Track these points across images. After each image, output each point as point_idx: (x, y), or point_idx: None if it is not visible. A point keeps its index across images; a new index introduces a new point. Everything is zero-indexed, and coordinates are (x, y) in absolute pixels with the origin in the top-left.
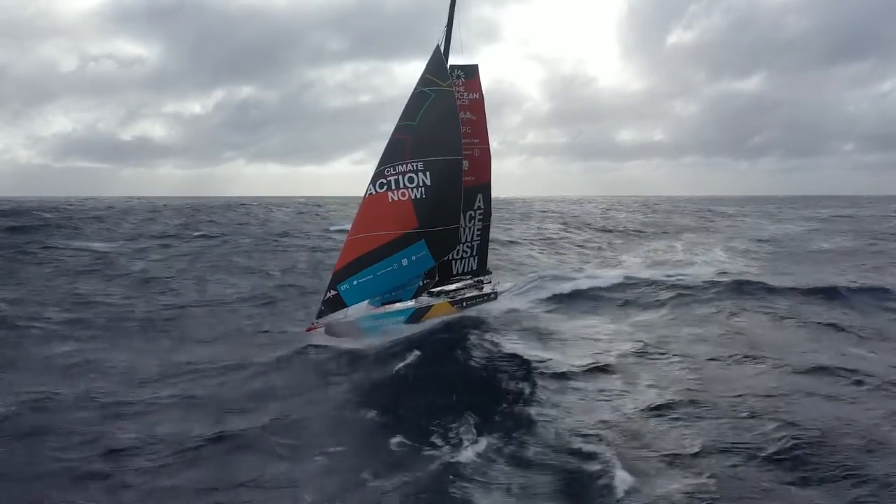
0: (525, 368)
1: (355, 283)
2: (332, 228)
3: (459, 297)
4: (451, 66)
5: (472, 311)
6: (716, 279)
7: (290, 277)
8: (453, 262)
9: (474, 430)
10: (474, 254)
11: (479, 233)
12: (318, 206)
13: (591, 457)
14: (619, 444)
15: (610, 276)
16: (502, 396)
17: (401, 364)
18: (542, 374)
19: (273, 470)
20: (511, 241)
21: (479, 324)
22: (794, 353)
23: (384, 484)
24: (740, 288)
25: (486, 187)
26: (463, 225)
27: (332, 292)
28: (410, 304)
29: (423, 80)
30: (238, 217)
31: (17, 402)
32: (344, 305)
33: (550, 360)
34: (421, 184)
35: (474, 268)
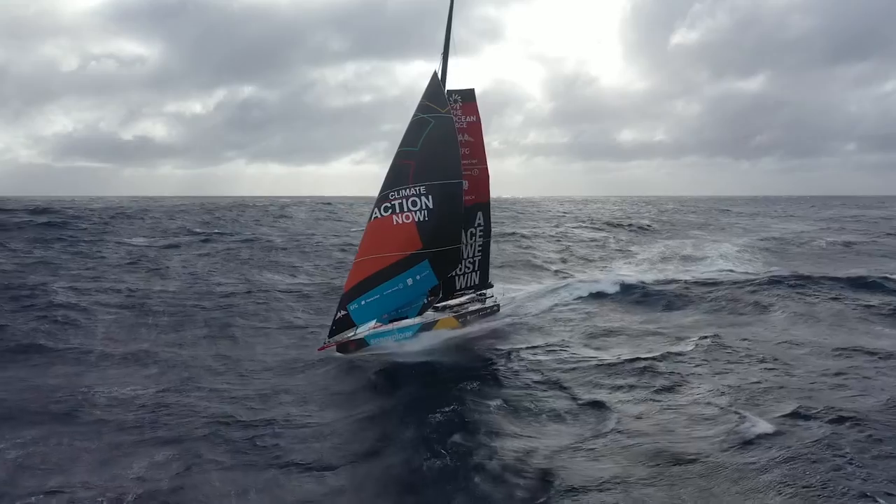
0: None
1: (363, 302)
2: (354, 230)
3: (463, 311)
4: (448, 90)
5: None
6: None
7: (336, 273)
8: (456, 277)
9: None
10: (476, 269)
11: (480, 249)
12: (328, 204)
13: None
14: None
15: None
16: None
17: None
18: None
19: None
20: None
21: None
22: None
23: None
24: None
25: (485, 206)
26: (464, 242)
27: (342, 312)
28: (416, 320)
29: (422, 107)
30: (257, 215)
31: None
32: (353, 325)
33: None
34: (424, 207)
35: (476, 282)
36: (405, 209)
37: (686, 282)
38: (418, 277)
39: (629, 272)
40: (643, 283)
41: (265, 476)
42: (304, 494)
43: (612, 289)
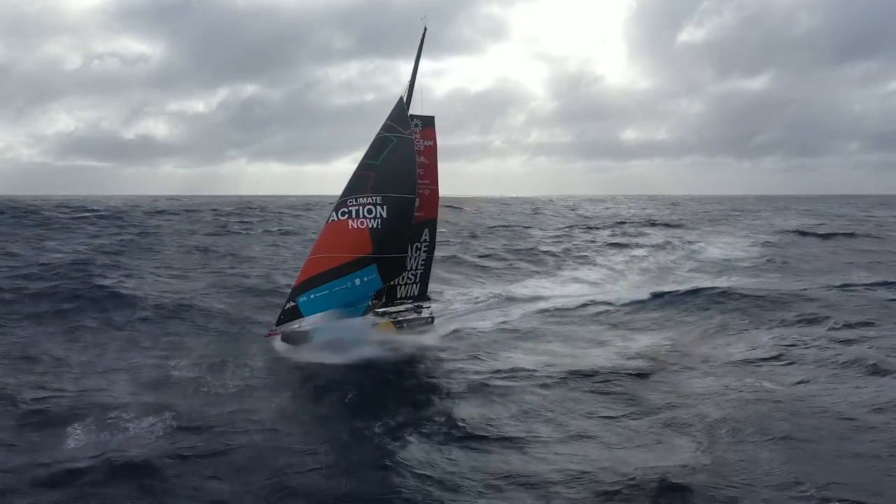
0: None
1: (313, 296)
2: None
3: (401, 319)
4: (410, 115)
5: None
6: None
7: None
8: (398, 286)
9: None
10: (417, 281)
11: (423, 263)
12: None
13: None
14: None
15: None
16: None
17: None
18: None
19: None
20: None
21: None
22: None
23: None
24: None
25: (432, 223)
26: (409, 255)
27: (292, 303)
28: (358, 320)
29: (386, 127)
30: (286, 213)
31: None
32: (301, 316)
33: None
34: (378, 216)
35: (416, 294)
36: (361, 216)
37: None
38: (366, 279)
39: None
40: None
41: None
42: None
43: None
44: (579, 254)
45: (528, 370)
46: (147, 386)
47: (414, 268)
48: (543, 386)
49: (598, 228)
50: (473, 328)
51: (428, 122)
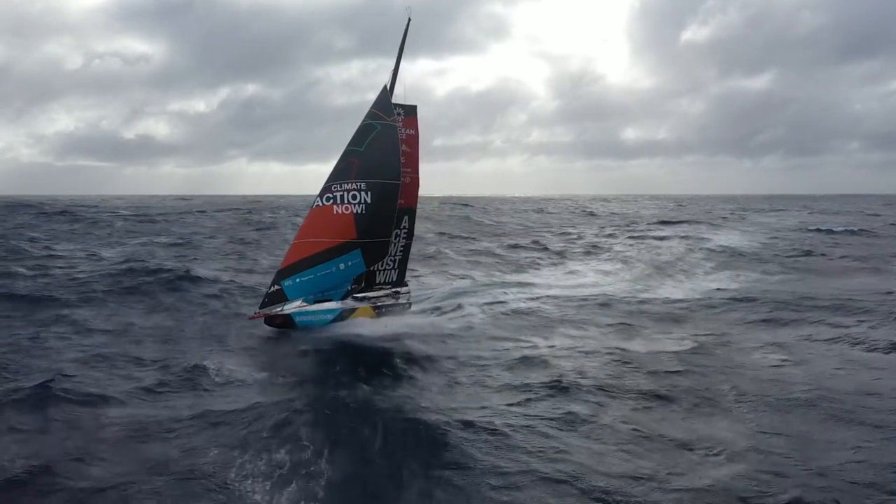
0: None
1: (297, 280)
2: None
3: (380, 304)
4: (393, 104)
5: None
6: None
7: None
8: (378, 272)
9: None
10: (396, 267)
11: (402, 249)
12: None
13: None
14: None
15: None
16: None
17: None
18: None
19: None
20: None
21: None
22: None
23: None
24: None
25: (412, 211)
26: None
27: (276, 287)
28: (338, 304)
29: (371, 114)
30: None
31: None
32: (285, 299)
33: None
34: (363, 201)
35: (394, 279)
36: (345, 201)
37: None
38: (350, 264)
39: None
40: None
41: None
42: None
43: None
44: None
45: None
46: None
47: (393, 254)
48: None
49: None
50: None
51: (410, 111)
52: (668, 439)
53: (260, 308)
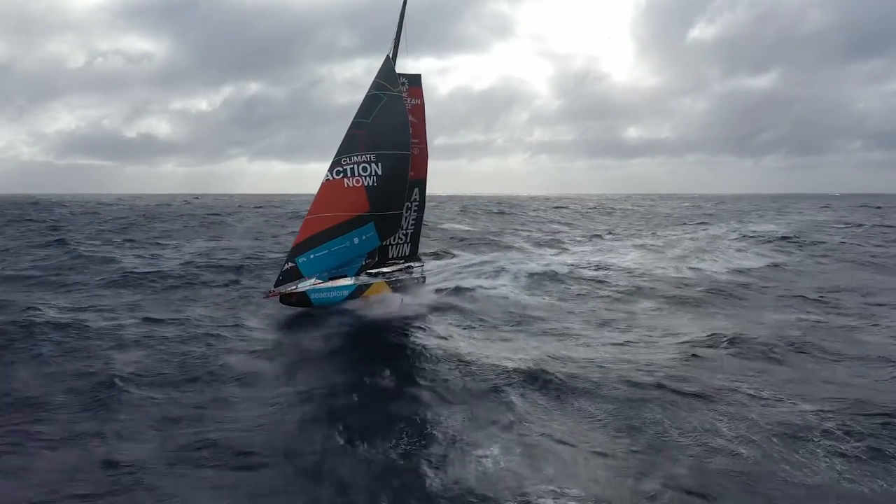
0: None
1: (312, 256)
2: (441, 226)
3: (393, 279)
4: (398, 74)
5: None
6: None
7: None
8: (390, 246)
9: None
10: (408, 241)
11: (413, 223)
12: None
13: None
14: None
15: None
16: None
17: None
18: None
19: None
20: None
21: None
22: None
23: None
24: None
25: (422, 183)
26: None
27: (290, 264)
28: (353, 281)
29: (376, 85)
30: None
31: None
32: (301, 276)
33: None
34: (373, 173)
35: (407, 254)
36: (356, 174)
37: None
38: (364, 238)
39: None
40: None
41: None
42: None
43: None
44: None
45: None
46: None
47: (405, 227)
48: None
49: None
50: None
51: (415, 81)
52: None
53: (275, 286)
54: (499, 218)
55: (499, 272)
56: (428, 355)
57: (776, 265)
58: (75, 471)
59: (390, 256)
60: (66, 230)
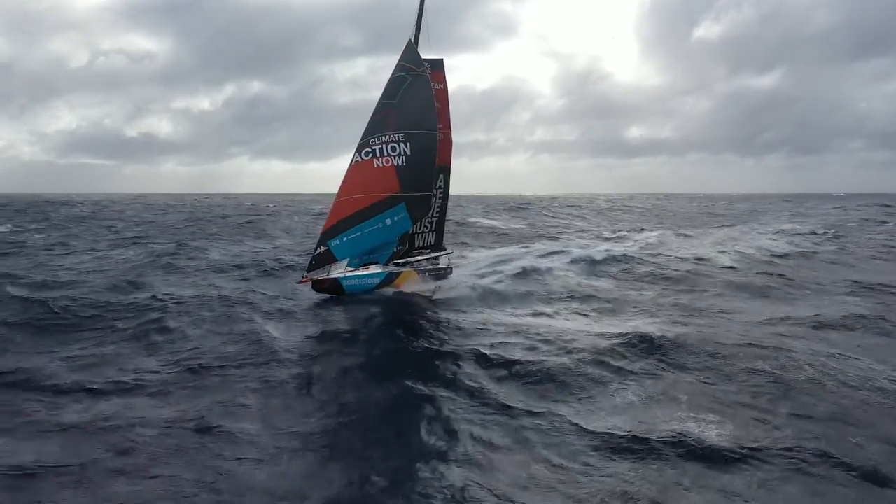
0: None
1: (345, 239)
2: (471, 219)
3: (422, 269)
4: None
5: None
6: None
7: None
8: (415, 235)
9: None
10: (433, 229)
11: (438, 211)
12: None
13: None
14: None
15: None
16: None
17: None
18: None
19: None
20: None
21: None
22: None
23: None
24: None
25: (446, 169)
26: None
27: (323, 248)
28: (384, 269)
29: (400, 67)
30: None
31: None
32: (334, 260)
33: None
34: (402, 153)
35: (432, 242)
36: (385, 153)
37: None
38: (396, 219)
39: None
40: None
41: None
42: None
43: None
44: None
45: None
46: None
47: (429, 215)
48: None
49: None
50: None
51: (437, 65)
52: None
53: (307, 271)
54: (526, 215)
55: (566, 257)
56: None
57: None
58: None
59: (416, 246)
60: (128, 230)
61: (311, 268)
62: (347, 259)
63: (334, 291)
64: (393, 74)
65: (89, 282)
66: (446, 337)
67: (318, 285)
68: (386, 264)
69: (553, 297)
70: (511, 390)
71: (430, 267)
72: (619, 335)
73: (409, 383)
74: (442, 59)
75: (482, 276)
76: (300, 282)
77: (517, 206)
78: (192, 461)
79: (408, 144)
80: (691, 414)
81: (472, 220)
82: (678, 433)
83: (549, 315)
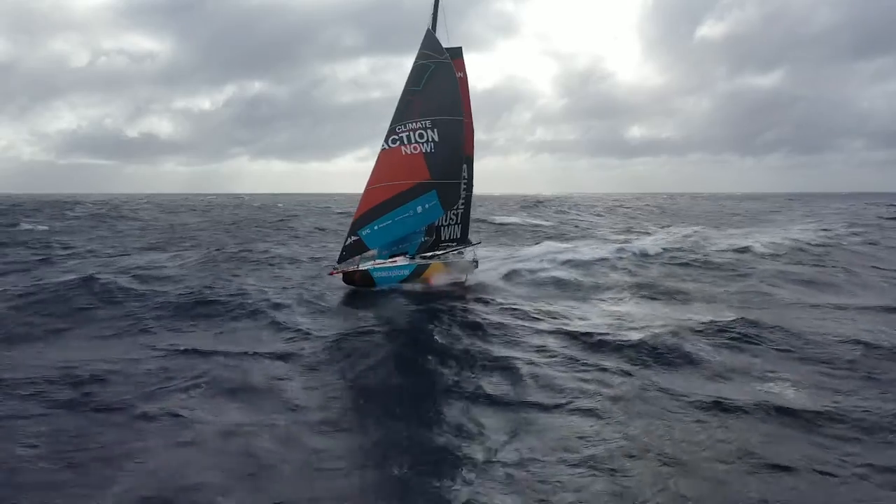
0: None
1: (376, 227)
2: (497, 220)
3: (449, 262)
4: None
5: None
6: None
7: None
8: (441, 227)
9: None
10: (458, 222)
11: (462, 202)
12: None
13: None
14: None
15: None
16: None
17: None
18: None
19: None
20: None
21: None
22: None
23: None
24: None
25: (469, 160)
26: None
27: (354, 238)
28: (412, 261)
29: (422, 55)
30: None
31: None
32: (366, 249)
33: None
34: (430, 139)
35: (458, 235)
36: (413, 141)
37: None
38: (427, 206)
39: None
40: None
41: None
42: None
43: None
44: None
45: None
46: None
47: (455, 207)
48: None
49: None
50: None
51: (456, 54)
52: None
53: (339, 262)
54: (545, 214)
55: (611, 250)
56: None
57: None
58: None
59: (443, 239)
60: (168, 231)
61: (342, 258)
62: (377, 249)
63: (365, 284)
64: (415, 63)
65: (187, 276)
66: (524, 317)
67: (348, 278)
68: (413, 256)
69: (616, 285)
70: (599, 357)
71: (457, 260)
72: (692, 318)
73: (507, 350)
74: (461, 48)
75: (535, 269)
76: (331, 273)
77: (530, 205)
78: None
79: (435, 131)
80: (771, 379)
81: (495, 217)
82: (762, 395)
83: (615, 300)
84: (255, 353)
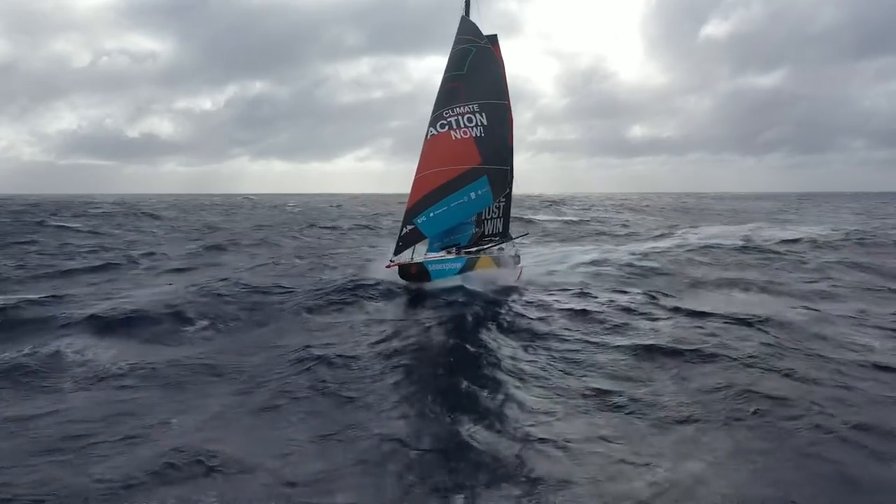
0: None
1: (431, 215)
2: (528, 216)
3: (495, 255)
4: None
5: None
6: None
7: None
8: (485, 221)
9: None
10: (500, 215)
11: (504, 196)
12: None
13: None
14: None
15: None
16: None
17: None
18: None
19: None
20: None
21: None
22: None
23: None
24: None
25: (511, 150)
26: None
27: (409, 227)
28: (463, 255)
29: (461, 41)
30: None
31: None
32: (423, 237)
33: None
34: (479, 123)
35: (500, 230)
36: (462, 125)
37: None
38: (480, 192)
39: None
40: None
41: None
42: None
43: None
44: None
45: None
46: None
47: (497, 200)
48: None
49: None
50: None
51: (493, 40)
52: None
53: (395, 254)
54: (569, 213)
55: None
56: None
57: None
58: None
59: (486, 233)
60: (219, 234)
61: (399, 249)
62: (430, 240)
63: (421, 278)
64: (455, 48)
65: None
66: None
67: (404, 271)
68: (460, 250)
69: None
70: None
71: (501, 255)
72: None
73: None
74: (496, 35)
75: (595, 261)
76: (388, 266)
77: (546, 204)
78: None
79: (483, 115)
80: None
81: (530, 216)
82: None
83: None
84: None
